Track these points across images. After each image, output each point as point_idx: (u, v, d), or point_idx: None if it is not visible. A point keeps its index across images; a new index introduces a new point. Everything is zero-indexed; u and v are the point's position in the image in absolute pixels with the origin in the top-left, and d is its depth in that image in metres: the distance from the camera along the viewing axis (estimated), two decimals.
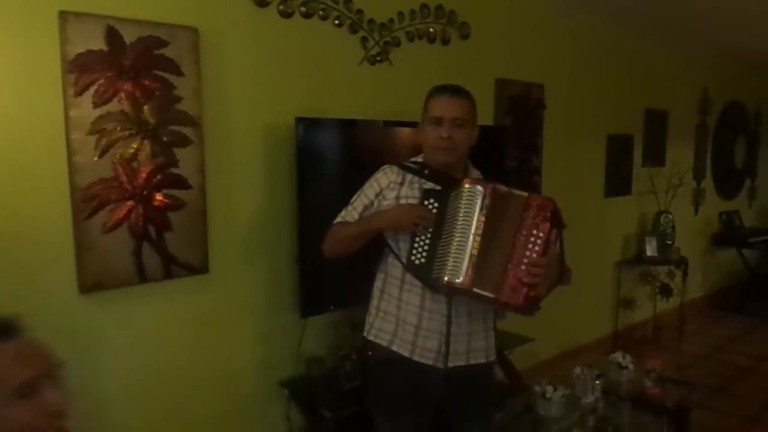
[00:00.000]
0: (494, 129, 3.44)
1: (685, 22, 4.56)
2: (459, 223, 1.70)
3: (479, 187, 1.71)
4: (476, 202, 1.69)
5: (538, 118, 3.90)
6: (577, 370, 2.81)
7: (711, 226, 6.17)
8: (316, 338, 2.74)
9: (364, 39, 2.86)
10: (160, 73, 2.16)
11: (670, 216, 5.09)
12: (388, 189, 1.86)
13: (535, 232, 1.67)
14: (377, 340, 1.90)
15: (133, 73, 2.10)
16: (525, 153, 3.82)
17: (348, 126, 2.72)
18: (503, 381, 3.23)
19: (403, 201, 1.83)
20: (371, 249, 1.92)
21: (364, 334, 1.95)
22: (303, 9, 2.61)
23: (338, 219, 1.94)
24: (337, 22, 2.74)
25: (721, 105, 6.05)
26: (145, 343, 2.27)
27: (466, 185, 1.72)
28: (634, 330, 5.06)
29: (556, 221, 1.70)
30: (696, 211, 5.87)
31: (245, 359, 2.57)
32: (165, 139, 2.20)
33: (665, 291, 5.06)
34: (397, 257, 1.84)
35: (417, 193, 1.82)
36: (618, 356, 2.99)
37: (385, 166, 1.92)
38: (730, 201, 6.45)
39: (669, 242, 5.05)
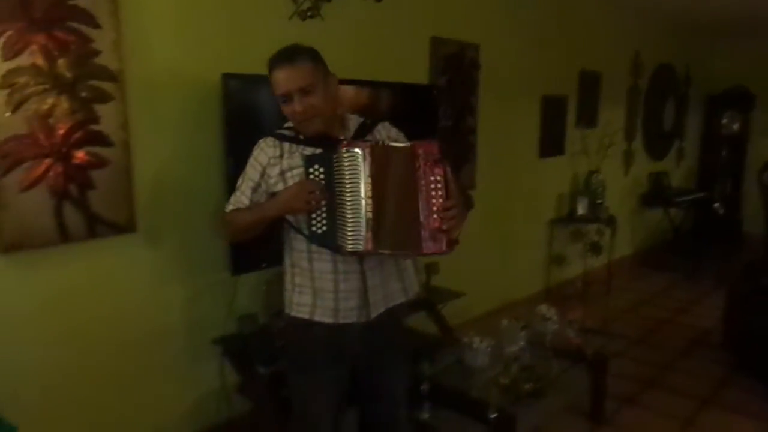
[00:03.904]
0: (427, 87, 3.44)
1: None
2: (347, 189, 1.67)
3: (357, 150, 1.67)
4: (359, 165, 1.67)
5: (473, 78, 3.94)
6: (504, 322, 2.94)
7: (640, 186, 6.42)
8: (249, 296, 2.76)
9: None
10: (75, 25, 2.08)
11: (601, 176, 5.28)
12: (269, 166, 1.81)
13: (432, 178, 1.67)
14: (299, 315, 1.87)
15: (45, 24, 2.01)
16: (460, 112, 3.87)
17: None
18: (436, 335, 3.34)
19: (288, 174, 1.78)
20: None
21: (286, 310, 1.91)
22: None
23: (229, 207, 1.87)
24: None
25: (652, 68, 6.24)
26: (69, 303, 2.24)
27: (344, 149, 1.67)
28: (565, 286, 5.27)
29: (444, 159, 1.70)
30: (626, 172, 6.10)
31: (176, 318, 2.57)
32: (83, 94, 2.13)
33: (595, 248, 5.28)
34: (298, 231, 1.81)
35: (299, 161, 1.77)
36: (543, 308, 3.12)
37: (260, 141, 1.86)
38: (659, 162, 6.73)
39: (599, 201, 5.25)
